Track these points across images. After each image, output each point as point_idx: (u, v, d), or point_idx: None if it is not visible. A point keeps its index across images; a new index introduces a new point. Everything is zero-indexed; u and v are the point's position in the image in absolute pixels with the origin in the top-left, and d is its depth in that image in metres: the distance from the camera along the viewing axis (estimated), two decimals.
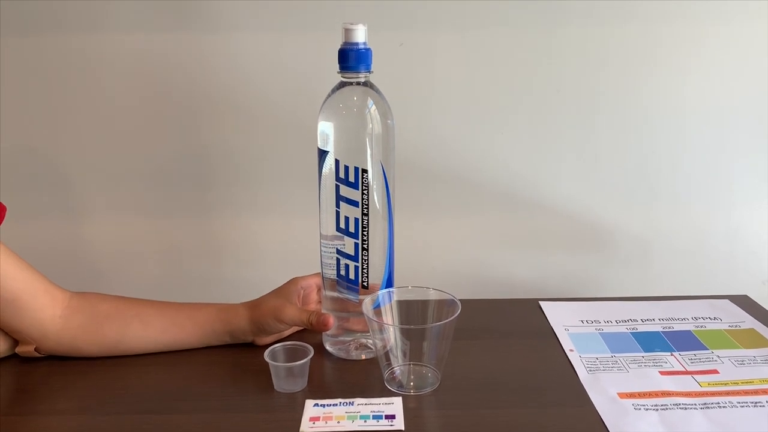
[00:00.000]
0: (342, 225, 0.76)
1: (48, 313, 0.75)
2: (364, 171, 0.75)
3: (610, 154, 1.04)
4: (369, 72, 0.75)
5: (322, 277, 0.80)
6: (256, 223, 1.06)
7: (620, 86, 1.01)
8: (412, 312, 0.77)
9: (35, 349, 0.78)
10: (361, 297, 0.77)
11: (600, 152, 1.04)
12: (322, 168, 0.76)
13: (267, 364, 0.73)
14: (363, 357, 0.80)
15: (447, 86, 1.01)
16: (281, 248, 1.06)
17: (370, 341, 0.80)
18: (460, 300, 0.74)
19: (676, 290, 1.03)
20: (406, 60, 0.99)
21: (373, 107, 0.75)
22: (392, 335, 0.74)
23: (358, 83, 0.75)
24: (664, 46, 1.00)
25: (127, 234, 1.06)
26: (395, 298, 0.78)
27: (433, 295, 0.77)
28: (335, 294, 0.79)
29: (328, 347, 0.81)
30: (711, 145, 1.04)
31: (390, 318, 0.77)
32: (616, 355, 0.80)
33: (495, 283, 1.07)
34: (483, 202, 1.06)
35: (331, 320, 0.77)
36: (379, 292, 0.78)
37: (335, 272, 0.78)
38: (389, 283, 0.79)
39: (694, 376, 0.75)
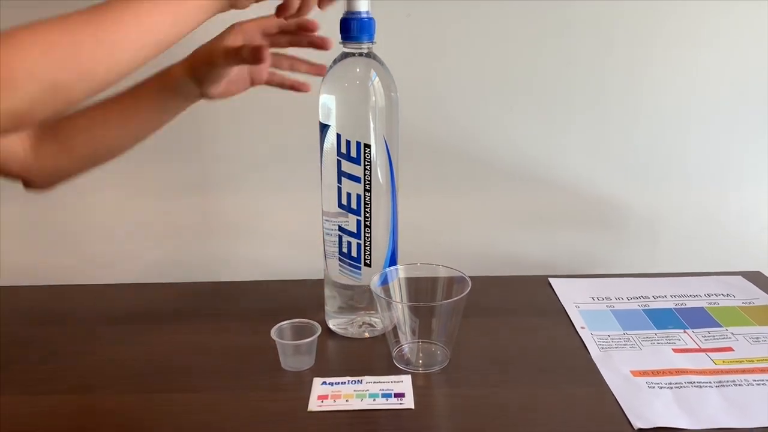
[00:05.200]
0: (344, 201, 0.74)
1: (18, 147, 0.69)
2: (367, 146, 0.73)
3: (621, 130, 1.02)
4: (372, 42, 0.73)
5: (324, 255, 0.78)
6: (257, 200, 1.04)
7: (632, 62, 0.99)
8: (420, 289, 0.76)
9: (24, 186, 0.74)
10: (363, 276, 0.76)
11: (610, 128, 1.02)
12: (323, 143, 0.74)
13: (274, 341, 0.71)
14: (366, 335, 0.78)
15: (455, 60, 0.98)
16: (283, 226, 1.05)
17: (375, 319, 0.79)
18: (468, 276, 0.72)
19: (687, 268, 1.01)
20: (414, 32, 0.96)
21: (377, 79, 0.73)
22: (401, 312, 0.72)
23: (361, 54, 0.72)
24: (677, 20, 0.97)
25: (123, 212, 1.05)
26: (403, 275, 0.76)
27: (442, 272, 0.75)
28: (338, 273, 0.77)
29: (331, 326, 0.79)
30: (723, 122, 1.01)
31: (398, 295, 0.76)
32: (628, 332, 0.79)
33: (502, 260, 1.06)
34: (490, 178, 1.04)
35: (266, 51, 0.64)
36: (387, 269, 0.76)
37: (337, 250, 0.76)
38: (393, 260, 0.78)
39: (708, 353, 0.74)
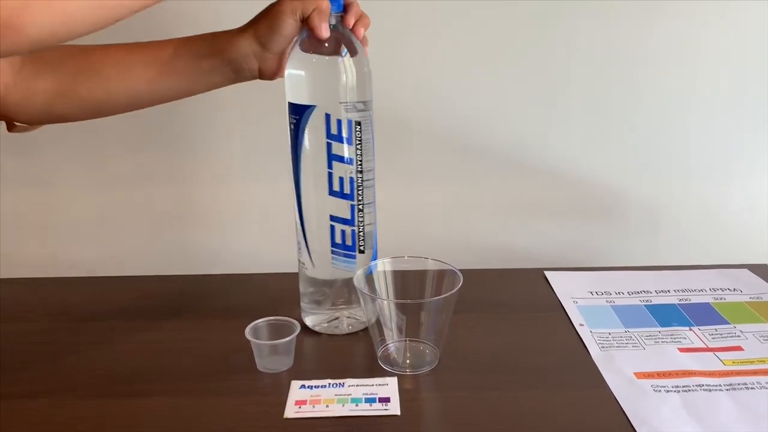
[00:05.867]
0: (336, 187, 0.69)
1: None
2: (357, 123, 0.67)
3: (621, 116, 0.96)
4: (340, 12, 0.67)
5: (304, 248, 0.72)
6: (235, 187, 0.98)
7: (633, 43, 0.93)
8: (408, 283, 0.70)
9: (7, 128, 0.68)
10: (358, 264, 0.71)
11: (610, 115, 0.96)
12: (300, 125, 0.68)
13: (248, 341, 0.66)
14: (348, 329, 0.73)
15: (448, 42, 0.92)
16: (259, 215, 0.99)
17: (356, 314, 0.73)
18: (459, 270, 0.67)
19: (690, 260, 0.96)
20: (406, 12, 0.90)
21: (347, 56, 0.67)
22: (387, 309, 0.67)
23: (329, 26, 0.66)
24: (680, 8, 0.91)
25: (97, 202, 0.98)
26: (389, 268, 0.71)
27: (431, 266, 0.70)
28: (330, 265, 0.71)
29: (307, 322, 0.74)
30: (727, 110, 0.96)
31: (384, 290, 0.70)
32: (630, 330, 0.74)
33: (495, 252, 1.00)
34: (483, 166, 0.98)
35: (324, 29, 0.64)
36: (372, 263, 0.71)
37: (329, 241, 0.70)
38: (376, 245, 0.73)
39: (717, 353, 0.69)
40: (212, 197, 0.99)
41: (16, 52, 0.53)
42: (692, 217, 1.00)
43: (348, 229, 0.70)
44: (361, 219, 0.70)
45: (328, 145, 0.67)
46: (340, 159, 0.68)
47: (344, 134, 0.67)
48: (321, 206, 0.69)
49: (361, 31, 0.67)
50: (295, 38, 0.67)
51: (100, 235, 0.99)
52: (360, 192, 0.69)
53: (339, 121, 0.66)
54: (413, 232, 0.99)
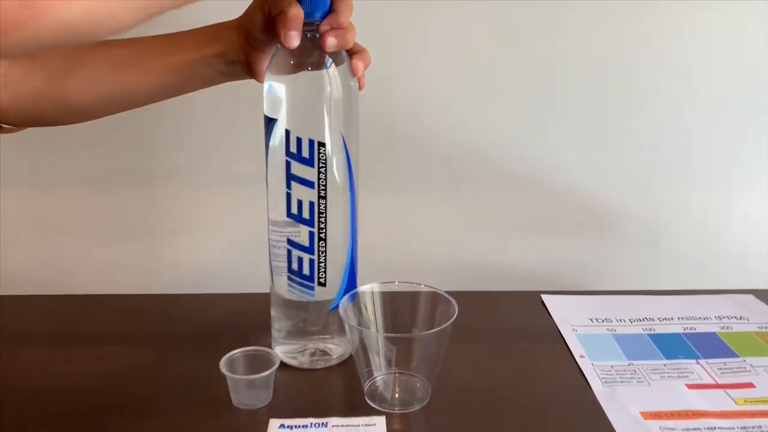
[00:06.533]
0: (294, 210, 0.63)
1: None
2: (321, 144, 0.61)
3: (621, 129, 0.92)
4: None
5: (271, 271, 0.67)
6: (200, 198, 0.92)
7: (634, 54, 0.89)
8: (398, 309, 0.65)
9: None
10: (317, 296, 0.65)
11: (609, 127, 0.92)
12: (269, 140, 0.62)
13: (219, 371, 0.60)
14: (321, 365, 0.67)
15: (439, 49, 0.87)
16: (228, 229, 0.93)
17: (330, 345, 0.68)
18: (449, 292, 0.62)
19: (690, 282, 0.92)
20: (395, 13, 0.85)
21: (332, 66, 0.61)
22: (375, 339, 0.62)
23: (314, 35, 0.60)
24: (681, 18, 0.87)
25: (52, 209, 0.92)
26: (379, 292, 0.66)
27: (424, 293, 0.64)
28: (287, 292, 0.66)
29: (280, 355, 0.67)
30: (729, 125, 0.92)
31: (372, 316, 0.65)
32: (633, 362, 0.69)
33: (487, 272, 0.96)
34: (474, 180, 0.93)
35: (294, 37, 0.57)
36: (359, 289, 0.65)
37: (286, 266, 0.65)
38: (351, 279, 0.66)
39: (727, 390, 0.65)
40: (183, 206, 0.93)
41: (28, 44, 0.44)
42: (693, 235, 0.96)
43: (306, 257, 0.64)
44: (322, 249, 0.64)
45: (287, 164, 0.61)
46: (300, 180, 0.62)
47: (305, 154, 0.61)
48: (282, 228, 0.64)
49: (360, 68, 0.61)
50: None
51: (52, 244, 0.93)
52: (322, 218, 0.63)
53: (299, 140, 0.60)
54: (402, 248, 0.94)
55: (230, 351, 0.62)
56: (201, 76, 0.64)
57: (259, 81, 0.63)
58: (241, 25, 0.62)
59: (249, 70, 0.63)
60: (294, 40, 0.57)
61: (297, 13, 0.57)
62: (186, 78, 0.64)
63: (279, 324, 0.68)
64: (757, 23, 0.88)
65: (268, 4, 0.58)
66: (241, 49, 0.62)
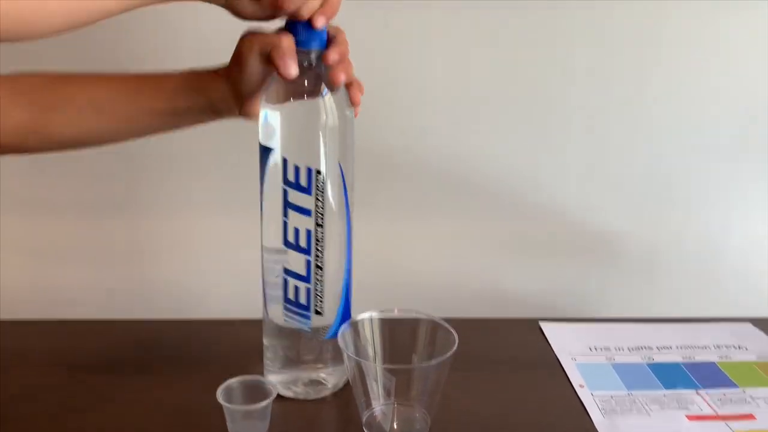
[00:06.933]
0: (291, 238, 0.62)
1: None
2: (318, 172, 0.61)
3: (618, 152, 0.92)
4: (323, 50, 0.60)
5: (264, 298, 0.66)
6: (192, 224, 0.92)
7: (632, 77, 0.89)
8: (397, 338, 0.65)
9: None
10: (313, 326, 0.64)
11: (606, 150, 0.92)
12: (265, 168, 0.62)
13: (213, 400, 0.59)
14: (316, 396, 0.66)
15: (435, 70, 0.88)
16: (220, 254, 0.93)
17: (323, 375, 0.67)
18: (447, 319, 0.62)
19: (688, 306, 0.92)
20: (392, 40, 0.86)
21: (328, 94, 0.61)
22: (373, 369, 0.61)
23: (310, 64, 0.60)
24: (679, 41, 0.88)
25: (43, 234, 0.91)
26: (378, 321, 0.65)
27: (423, 321, 0.64)
28: (282, 321, 0.65)
29: (270, 378, 0.67)
30: (728, 147, 0.92)
31: (371, 345, 0.64)
32: (633, 392, 0.69)
33: (486, 295, 0.95)
34: (472, 204, 0.93)
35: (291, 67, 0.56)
36: (358, 318, 0.64)
37: (282, 294, 0.64)
38: (347, 306, 0.66)
39: (728, 422, 0.64)
40: (177, 231, 0.92)
41: None
42: (690, 260, 0.96)
43: (302, 286, 0.63)
44: (319, 277, 0.63)
45: (284, 192, 0.61)
46: (297, 209, 0.61)
47: (302, 182, 0.61)
48: (277, 256, 0.63)
49: (359, 97, 0.61)
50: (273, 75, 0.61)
51: (43, 269, 0.92)
52: (319, 247, 0.63)
53: (297, 168, 0.60)
54: (397, 273, 0.94)
55: (222, 379, 0.61)
56: (185, 122, 0.64)
57: (253, 121, 0.63)
58: (227, 74, 0.61)
59: (240, 115, 0.63)
60: (293, 69, 0.57)
61: (290, 43, 0.57)
62: (169, 122, 0.64)
63: (271, 353, 0.67)
64: (752, 46, 0.88)
65: (257, 44, 0.58)
66: (231, 97, 0.62)
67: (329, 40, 0.60)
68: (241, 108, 0.62)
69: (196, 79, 0.62)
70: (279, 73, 0.57)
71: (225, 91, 0.61)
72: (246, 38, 0.60)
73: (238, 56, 0.60)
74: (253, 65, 0.59)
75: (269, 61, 0.57)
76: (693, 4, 0.86)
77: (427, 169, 0.91)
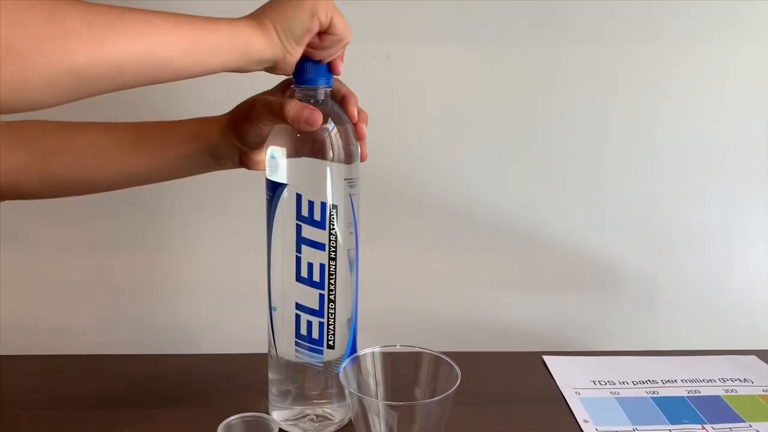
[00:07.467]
0: (304, 273, 0.62)
1: None
2: (334, 206, 0.61)
3: (618, 185, 0.93)
4: (329, 88, 0.62)
5: (272, 334, 0.65)
6: (198, 258, 0.92)
7: (631, 111, 0.90)
8: (399, 373, 0.64)
9: None
10: (325, 360, 0.64)
11: (607, 183, 0.93)
12: (275, 204, 0.62)
13: None
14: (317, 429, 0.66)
15: (437, 105, 0.89)
16: (226, 287, 0.92)
17: (328, 410, 0.66)
18: (449, 352, 0.61)
19: (690, 340, 0.91)
20: (393, 74, 0.87)
21: (334, 129, 0.61)
22: (376, 406, 0.60)
23: (317, 101, 0.61)
24: (680, 76, 0.89)
25: (48, 269, 0.91)
26: (380, 356, 0.64)
27: (426, 356, 0.63)
28: (293, 356, 0.64)
29: (274, 415, 0.66)
30: (728, 180, 0.93)
31: (373, 380, 0.64)
32: (638, 427, 0.68)
33: (486, 329, 0.95)
34: (474, 237, 0.93)
35: (318, 116, 0.57)
36: (359, 353, 0.64)
37: (294, 329, 0.64)
38: (354, 340, 0.66)
39: None
40: (180, 267, 0.92)
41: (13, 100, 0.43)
42: (692, 294, 0.96)
43: (315, 320, 0.63)
44: (331, 311, 0.63)
45: (298, 228, 0.61)
46: (311, 243, 0.62)
47: (316, 217, 0.61)
48: (288, 291, 0.63)
49: (365, 132, 0.62)
50: None
51: (44, 305, 0.92)
52: (332, 280, 0.63)
53: (311, 203, 0.61)
54: (400, 306, 0.93)
55: (225, 415, 0.60)
56: (186, 168, 0.65)
57: (251, 169, 0.64)
58: (233, 127, 0.62)
59: (242, 164, 0.65)
60: (318, 120, 0.57)
61: (299, 104, 0.58)
62: (170, 169, 0.65)
63: (277, 388, 0.67)
64: (753, 85, 0.89)
65: (271, 106, 0.59)
66: (234, 148, 0.63)
67: (335, 91, 0.62)
68: (244, 157, 0.64)
69: (201, 126, 0.63)
70: (300, 128, 0.58)
71: (228, 140, 0.62)
72: (260, 98, 0.61)
73: (248, 112, 0.61)
74: (264, 127, 0.60)
75: (281, 119, 0.58)
76: (690, 47, 0.88)
77: (431, 203, 0.91)
